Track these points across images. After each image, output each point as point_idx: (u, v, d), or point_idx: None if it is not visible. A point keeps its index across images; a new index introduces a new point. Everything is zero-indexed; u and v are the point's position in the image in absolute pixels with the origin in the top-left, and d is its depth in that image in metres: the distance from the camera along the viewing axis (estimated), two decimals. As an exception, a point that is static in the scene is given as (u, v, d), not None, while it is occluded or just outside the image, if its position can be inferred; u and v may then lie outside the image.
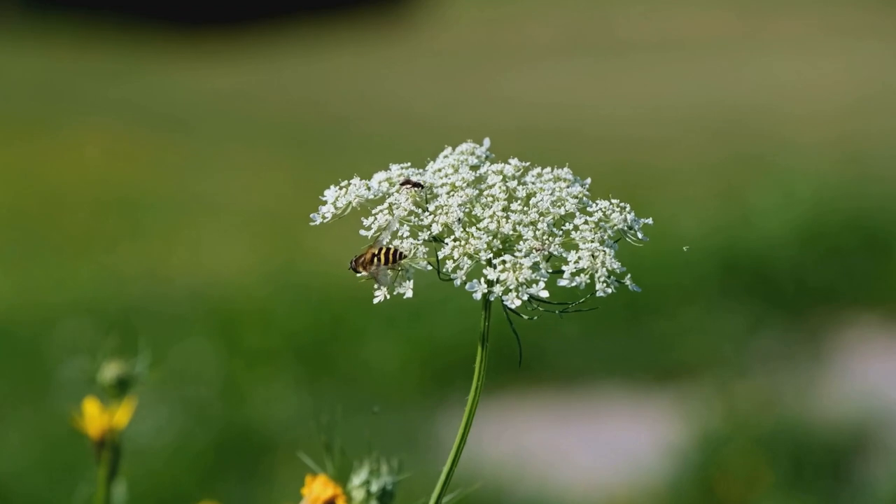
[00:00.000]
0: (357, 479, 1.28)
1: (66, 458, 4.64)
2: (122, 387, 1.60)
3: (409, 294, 1.10)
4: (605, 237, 1.10)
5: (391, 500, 1.28)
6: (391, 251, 1.10)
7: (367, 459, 1.29)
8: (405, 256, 1.09)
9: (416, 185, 1.13)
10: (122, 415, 1.57)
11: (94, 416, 1.57)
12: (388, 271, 1.09)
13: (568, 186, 1.13)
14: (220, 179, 8.91)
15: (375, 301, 1.10)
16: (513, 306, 1.06)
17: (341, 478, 1.28)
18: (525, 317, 1.07)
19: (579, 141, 9.37)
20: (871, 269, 6.57)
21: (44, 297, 6.63)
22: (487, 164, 1.17)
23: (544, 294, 1.06)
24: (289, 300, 6.24)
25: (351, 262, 1.11)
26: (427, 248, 1.11)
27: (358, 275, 1.11)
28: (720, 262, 6.45)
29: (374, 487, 1.27)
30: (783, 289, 6.40)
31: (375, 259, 1.10)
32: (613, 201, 1.13)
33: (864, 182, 7.66)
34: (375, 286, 1.10)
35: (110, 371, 1.60)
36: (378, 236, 1.12)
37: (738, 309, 6.12)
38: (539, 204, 1.11)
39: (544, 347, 5.74)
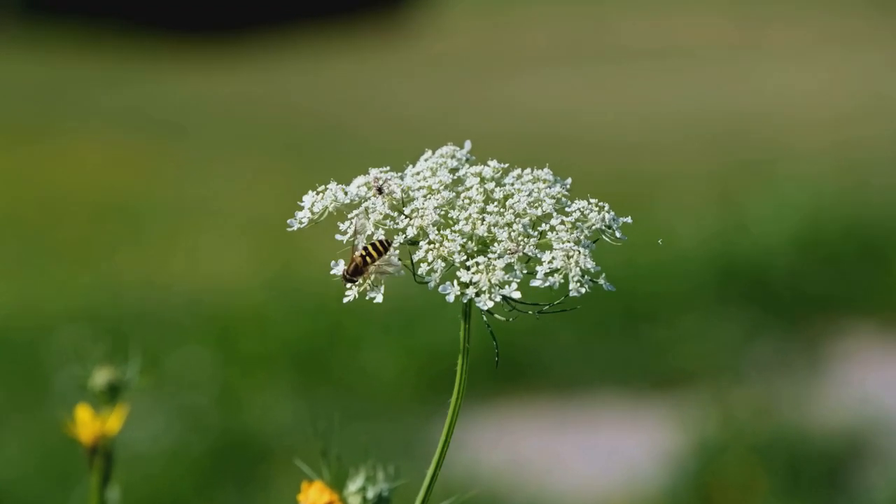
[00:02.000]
0: (353, 486, 1.28)
1: (63, 465, 4.63)
2: (113, 393, 1.60)
3: (380, 299, 1.10)
4: (582, 237, 1.09)
5: (386, 506, 1.29)
6: (375, 243, 1.10)
7: (363, 466, 1.29)
8: (389, 241, 1.10)
9: (379, 190, 1.13)
10: (114, 421, 1.57)
11: (86, 423, 1.56)
12: (393, 258, 1.10)
13: (548, 187, 1.13)
14: (218, 186, 8.91)
15: (378, 300, 1.10)
16: (485, 308, 1.05)
17: (337, 484, 1.28)
18: (501, 318, 1.07)
19: (577, 148, 9.38)
20: (867, 277, 6.58)
21: (42, 304, 6.63)
22: (467, 166, 1.16)
23: (517, 295, 1.05)
24: (286, 307, 6.24)
25: (345, 276, 1.11)
26: (399, 251, 1.11)
27: (354, 284, 1.11)
28: (717, 270, 6.46)
29: (370, 494, 1.28)
30: (780, 296, 6.40)
31: (368, 257, 1.10)
32: (592, 201, 1.12)
33: (861, 190, 7.67)
34: (373, 286, 1.10)
35: (101, 377, 1.60)
36: (354, 241, 1.12)
37: (734, 316, 6.12)
38: (515, 205, 1.11)
39: (541, 354, 5.74)
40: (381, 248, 1.09)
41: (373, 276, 1.10)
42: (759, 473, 4.78)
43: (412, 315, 5.87)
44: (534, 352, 5.71)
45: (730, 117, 10.35)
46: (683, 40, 13.22)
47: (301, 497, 1.26)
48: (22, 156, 9.59)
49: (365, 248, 1.09)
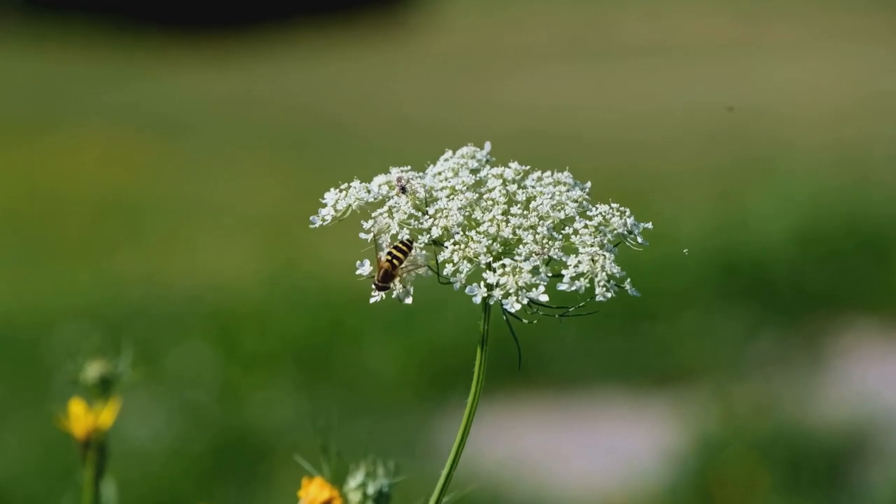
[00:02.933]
0: (353, 482, 1.28)
1: (64, 461, 4.63)
2: (105, 386, 1.60)
3: (410, 301, 1.10)
4: (605, 241, 1.09)
5: (387, 502, 1.28)
6: (399, 245, 1.10)
7: (363, 462, 1.29)
8: (411, 240, 1.10)
9: (402, 189, 1.12)
10: (107, 415, 1.57)
11: (79, 417, 1.56)
12: (419, 258, 1.10)
13: (568, 190, 1.13)
14: (219, 183, 8.91)
15: (408, 302, 1.10)
16: (513, 310, 1.05)
17: (338, 481, 1.28)
18: (525, 320, 1.07)
19: (578, 145, 9.38)
20: (868, 273, 6.57)
21: (43, 302, 6.63)
22: (488, 167, 1.16)
23: (544, 298, 1.06)
24: (287, 304, 6.24)
25: (376, 286, 1.10)
26: (426, 252, 1.11)
27: (388, 288, 1.11)
28: (718, 266, 6.46)
29: (371, 490, 1.28)
30: (781, 293, 6.40)
31: (395, 260, 1.09)
32: (613, 205, 1.13)
33: (862, 186, 7.67)
34: (403, 288, 1.10)
35: (93, 371, 1.60)
36: (378, 240, 1.11)
37: (735, 313, 6.12)
38: (539, 208, 1.10)
39: (542, 351, 5.74)
40: (405, 248, 1.09)
41: (402, 279, 1.10)
42: (760, 470, 4.78)
43: (413, 313, 5.87)
44: (536, 348, 5.71)
45: (731, 114, 10.34)
46: (684, 37, 13.21)
47: (301, 493, 1.26)
48: (22, 153, 9.59)
49: (390, 253, 1.09)
